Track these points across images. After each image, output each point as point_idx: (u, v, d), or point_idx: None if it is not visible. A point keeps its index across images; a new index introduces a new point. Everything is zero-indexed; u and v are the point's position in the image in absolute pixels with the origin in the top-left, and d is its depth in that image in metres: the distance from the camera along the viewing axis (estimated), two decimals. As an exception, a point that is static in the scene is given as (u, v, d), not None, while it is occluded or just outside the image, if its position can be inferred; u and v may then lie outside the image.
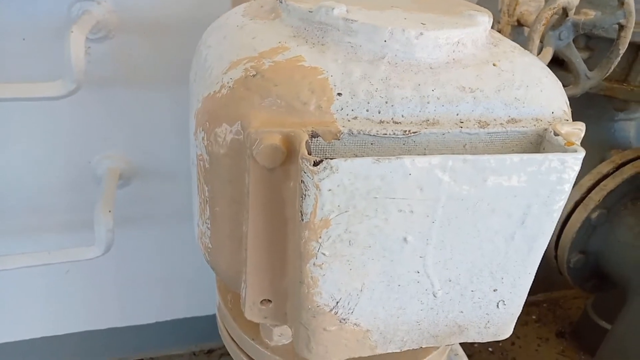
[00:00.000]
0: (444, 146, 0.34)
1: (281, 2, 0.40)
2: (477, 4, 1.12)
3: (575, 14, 0.93)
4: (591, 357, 1.69)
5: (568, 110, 0.39)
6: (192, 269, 1.62)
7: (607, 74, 0.92)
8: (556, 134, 0.34)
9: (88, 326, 1.59)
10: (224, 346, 1.79)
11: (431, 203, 0.32)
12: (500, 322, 0.39)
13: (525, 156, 0.31)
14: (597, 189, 1.07)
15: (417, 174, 0.30)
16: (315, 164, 0.29)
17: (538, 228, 0.35)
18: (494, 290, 0.37)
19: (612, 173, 1.07)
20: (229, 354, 1.79)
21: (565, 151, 0.33)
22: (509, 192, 0.33)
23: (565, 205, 1.14)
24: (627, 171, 1.07)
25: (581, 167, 1.01)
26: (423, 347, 0.40)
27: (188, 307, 1.70)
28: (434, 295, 0.36)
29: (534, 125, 0.36)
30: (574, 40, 0.93)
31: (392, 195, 0.31)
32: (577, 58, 0.93)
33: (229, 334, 0.52)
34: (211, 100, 0.35)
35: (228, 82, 0.34)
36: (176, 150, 1.40)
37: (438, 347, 0.49)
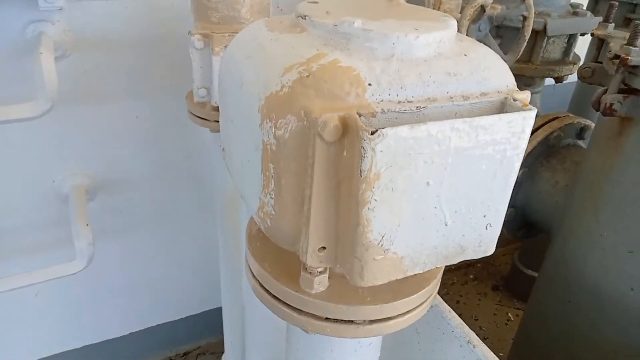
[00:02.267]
0: (442, 115, 0.48)
1: (304, 19, 0.52)
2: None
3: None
4: (524, 302, 1.96)
5: (514, 82, 0.55)
6: (159, 276, 1.67)
7: (518, 57, 1.13)
8: (514, 100, 0.50)
9: (62, 347, 1.58)
10: (199, 347, 1.86)
11: (444, 154, 0.46)
12: (488, 240, 0.54)
13: (503, 115, 0.46)
14: (518, 152, 1.28)
15: (436, 135, 0.44)
16: (372, 133, 0.41)
17: (510, 166, 0.50)
18: (484, 216, 0.52)
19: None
20: (205, 354, 1.86)
21: (524, 110, 0.48)
22: (492, 141, 0.47)
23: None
24: (539, 135, 1.30)
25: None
26: (438, 266, 0.54)
27: (159, 314, 1.74)
28: (446, 225, 0.50)
29: (498, 95, 0.51)
30: (490, 31, 1.13)
31: (420, 151, 0.44)
32: (494, 45, 1.13)
33: (270, 293, 0.62)
34: (274, 98, 0.46)
35: (287, 83, 0.45)
36: (137, 160, 1.45)
37: (436, 278, 0.63)
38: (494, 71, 0.53)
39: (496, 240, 0.56)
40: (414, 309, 0.61)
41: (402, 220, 0.48)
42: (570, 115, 1.35)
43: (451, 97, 0.49)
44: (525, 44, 1.12)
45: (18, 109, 1.02)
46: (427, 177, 0.46)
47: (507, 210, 1.36)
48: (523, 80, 1.37)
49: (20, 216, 1.37)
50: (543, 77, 1.36)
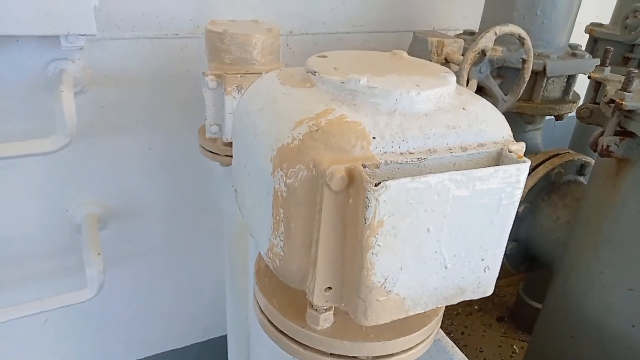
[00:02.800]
0: (442, 165, 0.52)
1: (314, 74, 0.56)
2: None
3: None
4: (529, 334, 1.96)
5: (511, 133, 0.59)
6: (166, 304, 1.69)
7: (518, 97, 1.17)
8: (510, 151, 0.53)
9: (68, 374, 1.59)
10: (202, 375, 1.84)
11: (443, 203, 0.49)
12: (486, 282, 0.57)
13: (498, 167, 0.50)
14: (520, 187, 1.31)
15: (435, 185, 0.47)
16: (376, 184, 0.45)
17: (506, 214, 0.53)
18: (482, 260, 0.55)
19: (529, 174, 1.32)
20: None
21: (518, 162, 0.52)
22: (488, 191, 0.51)
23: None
24: (541, 171, 1.33)
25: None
26: (438, 307, 0.56)
27: (165, 341, 1.75)
28: (445, 267, 0.53)
29: (494, 146, 0.55)
30: (490, 73, 1.18)
31: (420, 200, 0.48)
32: (495, 86, 1.17)
33: (277, 328, 0.65)
34: (286, 149, 0.50)
35: (298, 136, 0.49)
36: (148, 191, 1.49)
37: (437, 316, 0.66)
38: (490, 123, 0.56)
39: (494, 282, 0.58)
40: (416, 345, 0.64)
41: (404, 263, 0.51)
42: (570, 152, 1.38)
43: (450, 149, 0.53)
44: (525, 85, 1.16)
45: (38, 144, 1.06)
46: (428, 224, 0.50)
47: (509, 244, 1.38)
48: (524, 118, 1.41)
49: (33, 244, 1.41)
50: (543, 115, 1.40)
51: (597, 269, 1.05)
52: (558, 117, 1.40)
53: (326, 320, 0.60)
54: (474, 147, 0.54)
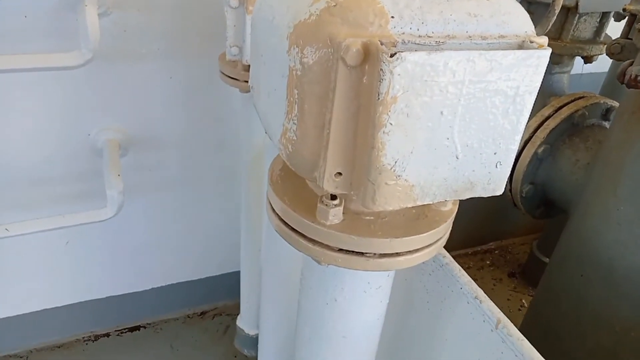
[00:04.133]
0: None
1: (334, -42, 0.55)
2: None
3: (517, -17, 1.13)
4: (539, 289, 1.95)
5: (534, 30, 0.57)
6: (182, 236, 1.74)
7: (547, 31, 1.13)
8: (531, 42, 0.52)
9: (87, 296, 1.66)
10: (216, 308, 1.92)
11: (459, 85, 0.48)
12: (497, 179, 0.57)
13: (518, 52, 0.49)
14: (541, 128, 1.29)
15: (452, 63, 0.47)
16: (391, 55, 0.44)
17: (523, 104, 0.52)
18: (495, 154, 0.54)
19: (552, 115, 1.30)
20: (222, 314, 1.93)
21: (539, 50, 0.50)
22: (507, 77, 0.50)
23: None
24: (564, 112, 1.30)
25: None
26: (447, 200, 0.57)
27: (180, 272, 1.81)
28: (457, 157, 0.53)
29: (516, 39, 0.53)
30: (520, 4, 1.13)
31: (436, 78, 0.47)
32: (522, 17, 1.13)
33: (288, 226, 0.66)
34: (303, 25, 0.49)
35: (315, 11, 0.49)
36: (168, 121, 1.50)
37: (446, 222, 0.66)
38: (514, 16, 0.55)
39: (505, 180, 0.58)
40: (423, 248, 0.64)
41: (415, 147, 0.51)
42: (597, 95, 1.34)
43: (470, 36, 0.52)
44: (555, 18, 1.12)
45: (61, 57, 1.08)
46: (442, 106, 0.49)
47: (526, 187, 1.36)
48: (551, 58, 1.36)
49: (55, 167, 1.45)
50: (572, 56, 1.36)
51: (614, 206, 1.03)
52: (587, 59, 1.35)
53: (335, 215, 0.61)
54: (495, 38, 0.53)
